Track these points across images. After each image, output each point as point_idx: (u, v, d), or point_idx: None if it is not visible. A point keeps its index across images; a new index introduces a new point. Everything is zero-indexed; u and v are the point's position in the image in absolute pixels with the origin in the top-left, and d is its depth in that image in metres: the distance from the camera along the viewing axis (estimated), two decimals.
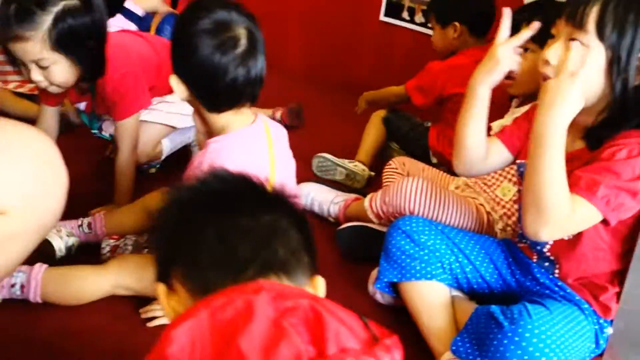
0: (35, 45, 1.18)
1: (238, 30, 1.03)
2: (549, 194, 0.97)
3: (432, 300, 1.17)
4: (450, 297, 1.19)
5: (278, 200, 0.66)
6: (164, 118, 1.59)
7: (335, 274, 1.36)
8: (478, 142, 1.14)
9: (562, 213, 0.97)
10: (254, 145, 1.10)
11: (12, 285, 1.16)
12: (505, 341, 0.97)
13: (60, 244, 1.28)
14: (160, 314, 1.17)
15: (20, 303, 1.16)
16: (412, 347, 1.16)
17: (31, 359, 1.06)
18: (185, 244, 0.62)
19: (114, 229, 1.32)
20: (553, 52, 1.00)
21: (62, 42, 1.20)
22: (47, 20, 1.17)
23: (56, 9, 1.18)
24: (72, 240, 1.31)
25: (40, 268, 1.17)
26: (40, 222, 0.81)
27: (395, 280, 1.20)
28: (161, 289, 0.64)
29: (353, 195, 1.58)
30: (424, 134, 1.82)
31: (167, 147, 1.66)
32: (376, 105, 1.93)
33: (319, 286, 0.63)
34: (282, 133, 1.19)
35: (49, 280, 1.17)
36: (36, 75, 1.24)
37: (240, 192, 0.65)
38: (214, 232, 0.60)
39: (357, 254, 1.44)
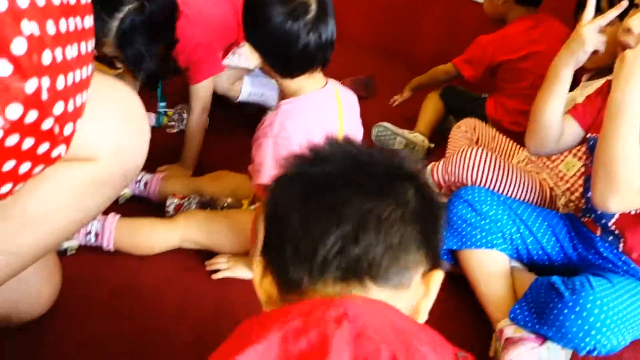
0: (109, 46, 1.23)
1: None
2: (621, 166, 0.96)
3: (491, 269, 1.17)
4: (510, 267, 1.20)
5: (393, 182, 0.55)
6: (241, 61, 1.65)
7: None
8: (554, 122, 1.14)
9: (634, 185, 0.96)
10: (324, 109, 1.12)
11: (88, 233, 1.22)
12: (566, 311, 0.97)
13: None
14: (224, 267, 1.22)
15: (94, 250, 1.22)
16: (470, 314, 1.18)
17: (104, 303, 1.12)
18: (274, 227, 0.57)
19: (165, 194, 1.38)
20: (637, 20, 0.98)
21: (126, 42, 1.23)
22: (114, 25, 1.21)
23: (121, 14, 1.21)
24: (126, 192, 1.39)
25: (114, 217, 1.23)
26: (126, 172, 0.86)
27: (454, 247, 1.21)
28: (258, 266, 0.58)
29: None
30: (481, 105, 1.81)
31: (246, 89, 1.70)
32: (425, 87, 1.93)
33: (432, 283, 0.56)
34: (352, 99, 1.21)
35: (121, 230, 1.23)
36: (119, 65, 1.31)
37: (343, 173, 0.56)
38: (300, 219, 0.53)
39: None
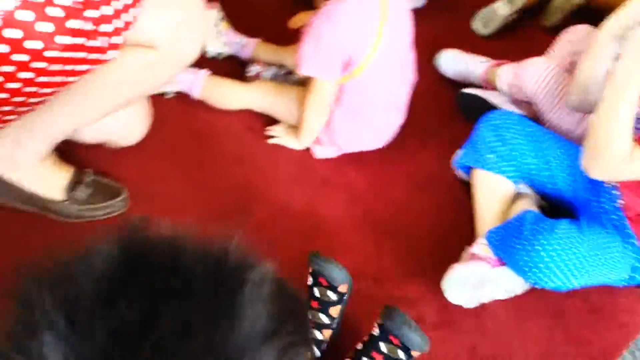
0: None
1: None
2: (609, 136, 1.03)
3: (492, 192, 1.32)
4: (512, 195, 1.33)
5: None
6: None
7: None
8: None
9: (616, 159, 1.03)
10: (362, 15, 1.27)
11: (180, 81, 1.53)
12: (519, 246, 1.13)
13: (211, 48, 1.61)
14: (279, 135, 1.48)
15: (183, 98, 1.53)
16: (465, 225, 1.36)
17: (181, 142, 1.46)
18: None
19: (256, 58, 1.61)
20: None
21: None
22: None
23: None
24: (225, 50, 1.63)
25: (205, 73, 1.52)
26: (181, 58, 1.11)
27: (467, 164, 1.35)
28: None
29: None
30: None
31: None
32: None
33: None
34: (403, 6, 1.32)
35: (208, 84, 1.52)
36: None
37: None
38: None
39: (470, 119, 1.55)
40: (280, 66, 1.59)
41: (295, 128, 1.47)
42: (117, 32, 0.89)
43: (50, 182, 1.21)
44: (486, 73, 1.59)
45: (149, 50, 1.06)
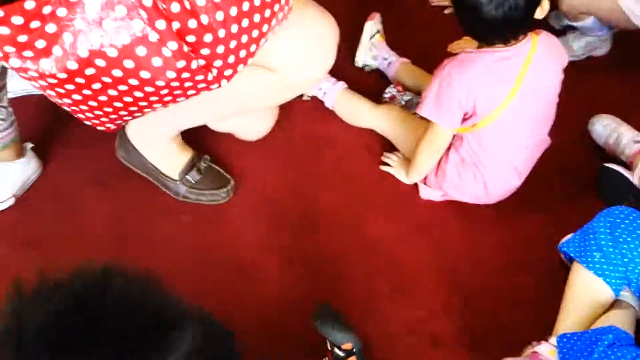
0: None
1: None
2: None
3: (587, 293, 1.21)
4: (608, 302, 1.21)
5: None
6: None
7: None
8: None
9: None
10: (498, 73, 1.22)
11: (319, 89, 1.58)
12: None
13: (361, 59, 1.63)
14: (394, 165, 1.48)
15: (318, 103, 1.59)
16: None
17: (300, 147, 1.52)
18: None
19: (398, 78, 1.60)
20: None
21: None
22: None
23: None
24: (372, 63, 1.64)
25: (342, 85, 1.56)
26: (299, 84, 1.17)
27: (571, 254, 1.25)
28: None
29: None
30: None
31: None
32: None
33: None
34: (549, 67, 1.23)
35: (341, 96, 1.56)
36: None
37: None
38: None
39: (603, 198, 1.42)
40: (418, 94, 1.58)
41: (409, 161, 1.46)
42: (231, 66, 0.96)
43: (170, 161, 1.36)
44: (635, 156, 1.43)
45: (270, 73, 1.13)
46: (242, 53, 0.96)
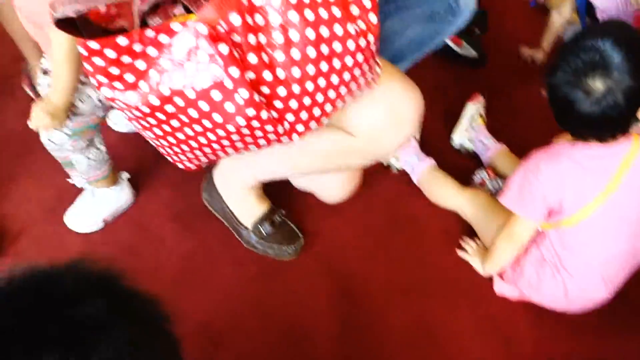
0: None
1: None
2: None
3: None
4: None
5: None
6: None
7: None
8: None
9: None
10: (592, 169, 1.14)
11: (408, 162, 1.57)
12: None
13: (457, 139, 1.62)
14: (472, 252, 1.41)
15: (405, 177, 1.57)
16: None
17: (379, 219, 1.50)
18: None
19: (491, 165, 1.54)
20: None
21: None
22: None
23: None
24: (469, 146, 1.61)
25: (430, 162, 1.54)
26: (375, 153, 1.17)
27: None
28: None
29: None
30: None
31: None
32: None
33: None
34: None
35: (428, 174, 1.53)
36: None
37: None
38: None
39: None
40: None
41: (486, 251, 1.39)
42: (303, 122, 0.99)
43: (246, 209, 1.39)
44: None
45: (349, 136, 1.14)
46: (316, 111, 0.98)
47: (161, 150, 1.07)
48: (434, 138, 1.62)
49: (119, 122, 1.62)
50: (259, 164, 1.31)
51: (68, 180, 1.41)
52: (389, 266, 1.41)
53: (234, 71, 0.85)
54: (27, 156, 1.56)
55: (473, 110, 1.66)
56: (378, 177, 1.56)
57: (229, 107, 0.89)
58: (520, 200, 1.21)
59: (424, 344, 1.28)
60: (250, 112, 0.89)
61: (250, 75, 0.88)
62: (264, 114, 0.90)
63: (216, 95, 0.88)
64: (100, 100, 1.23)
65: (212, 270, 1.38)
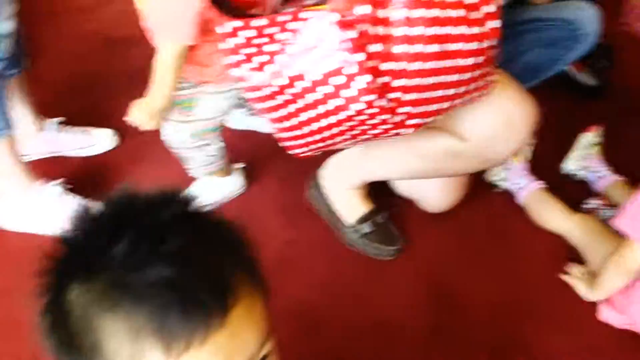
0: None
1: None
2: None
3: None
4: None
5: None
6: None
7: None
8: None
9: None
10: None
11: (516, 183, 1.54)
12: None
13: (568, 167, 1.57)
14: (577, 275, 1.36)
15: (509, 197, 1.55)
16: None
17: (480, 234, 1.49)
18: None
19: (606, 194, 1.48)
20: None
21: None
22: None
23: None
24: (580, 175, 1.56)
25: (538, 185, 1.50)
26: (485, 160, 1.17)
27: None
28: None
29: None
30: None
31: None
32: None
33: None
34: None
35: (535, 195, 1.50)
36: None
37: None
38: None
39: None
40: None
41: (595, 278, 1.33)
42: (417, 116, 1.01)
43: (350, 208, 1.43)
44: None
45: (459, 140, 1.16)
46: (431, 107, 1.01)
47: (279, 135, 1.13)
48: (543, 162, 1.59)
49: (236, 120, 1.72)
50: (367, 165, 1.34)
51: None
52: (487, 280, 1.38)
53: (359, 57, 0.90)
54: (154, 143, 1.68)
55: (588, 139, 1.61)
56: (482, 193, 1.54)
57: (350, 92, 0.94)
58: (635, 223, 1.16)
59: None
60: (369, 97, 0.93)
61: (372, 63, 0.92)
62: (382, 102, 0.94)
63: (339, 79, 0.93)
64: (222, 107, 1.32)
65: (311, 260, 1.42)
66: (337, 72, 0.92)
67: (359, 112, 0.96)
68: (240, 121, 1.72)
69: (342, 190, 1.43)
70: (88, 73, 1.92)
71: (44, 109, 1.64)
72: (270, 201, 1.57)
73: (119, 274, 0.49)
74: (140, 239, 0.49)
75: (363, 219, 1.42)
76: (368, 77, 0.91)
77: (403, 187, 1.47)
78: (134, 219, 0.51)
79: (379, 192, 1.47)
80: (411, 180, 1.42)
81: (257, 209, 1.55)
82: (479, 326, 1.30)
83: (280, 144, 1.17)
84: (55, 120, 1.65)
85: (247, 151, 1.68)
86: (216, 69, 1.20)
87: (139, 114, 1.22)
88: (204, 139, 1.37)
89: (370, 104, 0.95)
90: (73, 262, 0.52)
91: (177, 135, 1.35)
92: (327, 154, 1.36)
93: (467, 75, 1.00)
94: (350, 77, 0.92)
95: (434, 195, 1.43)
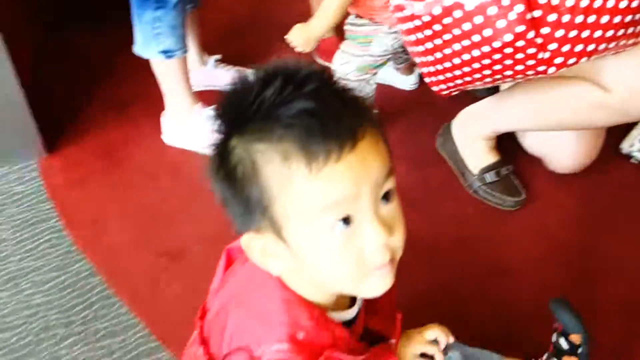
0: None
1: None
2: None
3: None
4: None
5: None
6: None
7: None
8: None
9: None
10: None
11: None
12: None
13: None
14: None
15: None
16: None
17: (606, 202, 1.49)
18: None
19: None
20: None
21: None
22: None
23: None
24: None
25: None
26: (628, 112, 1.17)
27: None
28: None
29: None
30: None
31: None
32: None
33: None
34: None
35: None
36: None
37: None
38: None
39: None
40: None
41: None
42: (563, 55, 1.06)
43: (476, 157, 1.49)
44: None
45: (603, 91, 1.18)
46: (578, 47, 1.05)
47: (424, 69, 1.22)
48: None
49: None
50: (501, 113, 1.40)
51: None
52: (610, 244, 1.39)
53: None
54: None
55: None
56: (615, 162, 1.54)
57: (501, 22, 1.01)
58: None
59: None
60: (519, 29, 1.00)
61: None
62: (531, 34, 1.00)
63: (492, 10, 1.00)
64: (393, 46, 1.44)
65: (434, 202, 1.50)
66: (493, 2, 0.99)
67: (507, 44, 1.02)
68: (382, 74, 1.83)
69: (471, 139, 1.49)
70: (249, 17, 2.10)
71: (205, 47, 1.84)
72: (399, 148, 1.66)
73: (270, 110, 0.61)
74: (286, 84, 0.61)
75: (488, 168, 1.48)
76: (521, 7, 0.98)
77: (532, 143, 1.50)
78: (281, 72, 0.62)
79: (507, 148, 1.52)
80: (543, 136, 1.45)
81: None
82: (610, 286, 1.31)
83: (424, 79, 1.27)
84: (214, 57, 1.84)
85: (381, 102, 1.78)
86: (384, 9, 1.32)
87: (297, 36, 1.38)
88: (366, 74, 1.50)
89: (519, 37, 1.01)
90: (233, 113, 0.64)
91: (344, 67, 1.50)
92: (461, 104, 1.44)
93: (618, 19, 1.03)
94: (505, 8, 0.99)
95: (565, 152, 1.45)
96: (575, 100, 1.22)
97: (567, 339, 1.04)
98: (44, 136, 1.61)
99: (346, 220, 0.61)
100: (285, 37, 1.44)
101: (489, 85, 1.25)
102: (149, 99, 1.67)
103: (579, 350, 1.03)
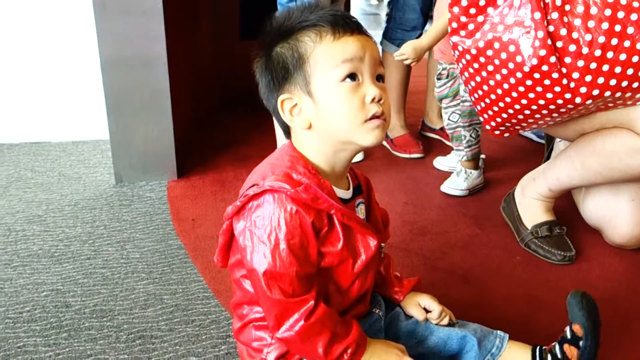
0: None
1: None
2: None
3: None
4: None
5: None
6: None
7: None
8: None
9: None
10: None
11: None
12: None
13: None
14: None
15: None
16: None
17: None
18: None
19: None
20: None
21: None
22: None
23: None
24: None
25: None
26: None
27: None
28: None
29: None
30: None
31: None
32: None
33: None
34: None
35: None
36: None
37: None
38: None
39: None
40: None
41: None
42: (587, 85, 1.22)
43: (532, 214, 1.60)
44: None
45: (638, 137, 1.30)
46: (600, 80, 1.22)
47: (477, 107, 1.44)
48: None
49: None
50: (554, 168, 1.53)
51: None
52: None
53: (537, 15, 1.21)
54: None
55: None
56: None
57: (528, 49, 1.23)
58: None
59: None
60: (542, 52, 1.21)
61: (550, 28, 1.21)
62: (553, 58, 1.21)
63: (521, 39, 1.24)
64: None
65: (486, 247, 1.61)
66: (520, 34, 1.24)
67: (535, 68, 1.23)
68: None
69: (529, 199, 1.62)
70: None
71: None
72: (464, 209, 1.83)
73: (304, 18, 0.92)
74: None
75: (542, 224, 1.57)
76: (541, 34, 1.20)
77: (592, 212, 1.58)
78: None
79: (568, 218, 1.61)
80: (602, 204, 1.53)
81: (454, 215, 1.82)
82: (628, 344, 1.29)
83: (480, 118, 1.48)
84: None
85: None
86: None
87: (409, 50, 1.68)
88: (468, 120, 1.87)
89: (543, 61, 1.22)
90: (275, 31, 0.95)
91: (453, 117, 1.88)
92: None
93: (636, 59, 1.19)
94: (529, 37, 1.22)
95: (622, 219, 1.50)
96: (612, 146, 1.33)
97: (570, 328, 1.07)
98: (179, 168, 2.09)
99: (353, 77, 0.89)
100: (395, 53, 1.75)
101: (534, 127, 1.42)
102: (265, 154, 2.07)
103: (581, 343, 1.05)
